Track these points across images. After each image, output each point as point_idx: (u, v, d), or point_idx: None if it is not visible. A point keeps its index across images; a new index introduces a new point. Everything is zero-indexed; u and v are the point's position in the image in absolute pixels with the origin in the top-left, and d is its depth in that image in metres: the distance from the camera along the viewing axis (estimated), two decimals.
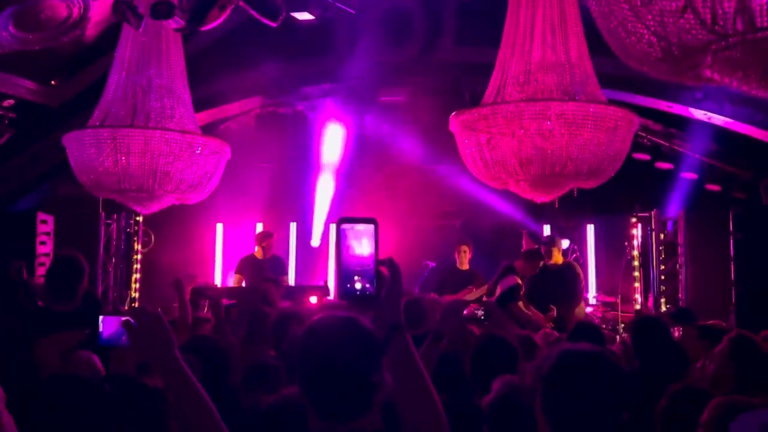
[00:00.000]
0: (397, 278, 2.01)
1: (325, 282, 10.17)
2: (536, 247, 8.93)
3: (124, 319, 2.23)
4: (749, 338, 4.00)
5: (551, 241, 8.71)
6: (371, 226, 2.01)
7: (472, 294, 8.67)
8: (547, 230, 11.37)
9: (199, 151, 8.11)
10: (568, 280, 8.50)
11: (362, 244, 1.99)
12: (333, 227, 12.18)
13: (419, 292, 9.28)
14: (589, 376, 2.07)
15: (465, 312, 5.13)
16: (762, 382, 3.75)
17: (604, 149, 6.98)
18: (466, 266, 9.15)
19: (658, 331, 4.23)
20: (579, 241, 11.17)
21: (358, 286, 1.98)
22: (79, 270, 4.46)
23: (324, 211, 11.97)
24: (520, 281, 7.98)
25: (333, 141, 11.46)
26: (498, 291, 8.02)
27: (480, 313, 6.48)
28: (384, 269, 2.00)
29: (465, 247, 9.16)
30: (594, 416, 2.04)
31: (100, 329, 2.87)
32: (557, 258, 8.66)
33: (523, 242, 9.84)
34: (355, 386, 2.03)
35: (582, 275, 8.78)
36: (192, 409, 2.03)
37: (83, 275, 4.47)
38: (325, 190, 11.94)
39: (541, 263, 8.45)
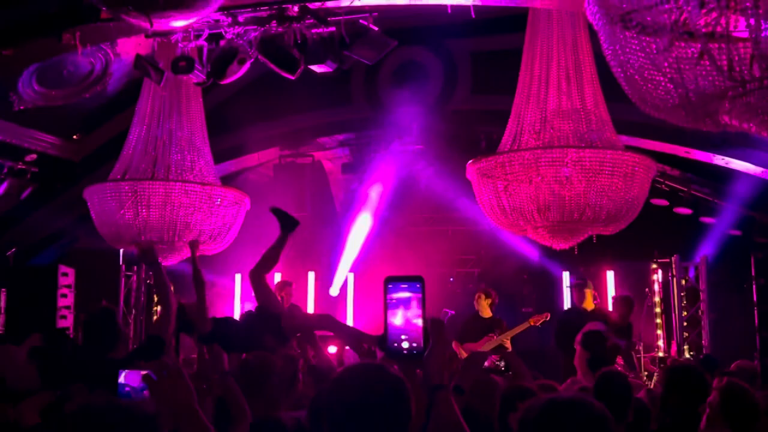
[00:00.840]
0: (440, 337, 2.00)
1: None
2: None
3: (144, 372, 2.22)
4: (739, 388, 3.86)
5: (584, 283, 8.53)
6: (418, 284, 2.02)
7: (492, 342, 8.58)
8: (566, 278, 11.29)
9: (219, 202, 8.19)
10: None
11: (409, 303, 2.00)
12: (351, 277, 12.18)
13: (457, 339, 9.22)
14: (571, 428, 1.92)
15: (486, 363, 5.06)
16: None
17: (622, 195, 6.97)
18: (488, 314, 9.08)
19: (694, 381, 4.03)
20: (599, 288, 11.07)
21: (405, 345, 1.99)
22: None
23: (345, 260, 11.99)
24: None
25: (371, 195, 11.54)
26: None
27: (501, 363, 6.41)
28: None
29: (481, 294, 9.09)
30: None
31: (121, 382, 2.87)
32: (589, 302, 8.49)
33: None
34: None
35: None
36: None
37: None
38: (346, 239, 11.98)
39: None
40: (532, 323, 8.77)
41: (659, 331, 10.51)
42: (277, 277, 11.51)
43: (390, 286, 2.02)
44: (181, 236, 8.02)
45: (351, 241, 11.88)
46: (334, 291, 12.12)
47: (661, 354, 10.23)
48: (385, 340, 2.00)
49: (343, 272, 12.10)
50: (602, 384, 4.26)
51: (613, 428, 1.97)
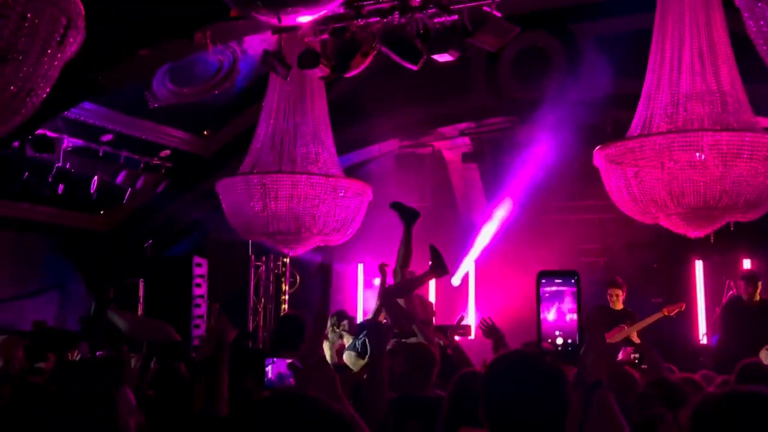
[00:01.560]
0: (596, 333, 1.97)
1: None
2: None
3: (289, 361, 2.29)
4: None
5: (756, 277, 8.12)
6: (572, 279, 1.99)
7: (621, 334, 8.34)
8: (699, 267, 10.83)
9: (342, 194, 8.33)
10: None
11: (563, 297, 1.97)
12: (472, 268, 12.12)
13: None
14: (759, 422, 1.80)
15: (621, 356, 4.92)
16: None
17: (762, 180, 6.63)
18: (619, 305, 8.83)
19: None
20: (736, 278, 10.57)
21: (559, 341, 1.96)
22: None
23: (470, 251, 11.94)
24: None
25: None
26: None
27: (636, 356, 6.20)
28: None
29: (617, 291, 8.84)
30: None
31: (267, 370, 2.96)
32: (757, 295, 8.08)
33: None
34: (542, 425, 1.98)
35: None
36: None
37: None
38: (467, 229, 11.93)
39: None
40: (665, 314, 8.44)
41: None
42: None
43: (543, 280, 2.00)
44: (307, 227, 8.20)
45: (480, 233, 11.81)
46: (455, 281, 12.11)
47: None
48: (539, 335, 1.97)
49: (467, 263, 12.05)
50: (745, 376, 4.07)
51: None
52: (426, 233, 12.03)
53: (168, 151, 10.58)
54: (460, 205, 12.39)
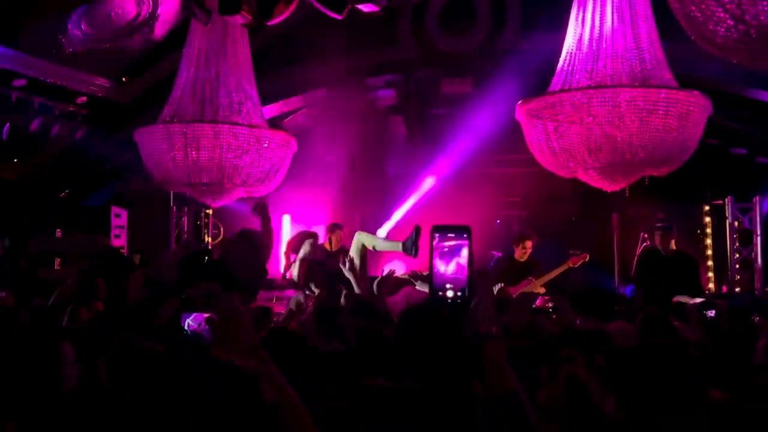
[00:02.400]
0: (487, 288, 2.02)
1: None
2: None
3: (207, 315, 2.27)
4: None
5: (671, 229, 8.31)
6: (464, 234, 2.02)
7: (530, 285, 8.54)
8: (615, 220, 11.17)
9: (266, 145, 8.25)
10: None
11: (455, 252, 2.01)
12: (398, 220, 12.21)
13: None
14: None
15: (538, 302, 5.06)
16: None
17: (675, 136, 6.85)
18: (524, 257, 9.04)
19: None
20: (651, 231, 10.94)
21: (450, 294, 2.00)
22: None
23: (397, 205, 12.01)
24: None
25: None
26: None
27: (550, 305, 6.40)
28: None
29: (518, 237, 9.02)
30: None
31: (184, 326, 2.94)
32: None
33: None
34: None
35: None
36: (277, 394, 2.02)
37: None
38: (395, 183, 11.99)
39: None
40: (570, 265, 8.65)
41: (710, 274, 10.41)
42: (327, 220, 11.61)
43: (437, 234, 2.04)
44: (230, 178, 8.13)
45: (411, 193, 11.89)
46: (381, 233, 12.18)
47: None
48: (432, 288, 2.02)
49: (395, 217, 12.12)
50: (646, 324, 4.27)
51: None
52: (353, 185, 12.11)
53: (84, 98, 10.24)
54: (386, 157, 12.42)
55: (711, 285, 10.40)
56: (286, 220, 12.39)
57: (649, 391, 1.95)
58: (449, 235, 2.03)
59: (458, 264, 2.02)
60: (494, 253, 9.73)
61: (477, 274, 2.03)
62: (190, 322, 3.24)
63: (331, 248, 9.76)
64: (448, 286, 2.01)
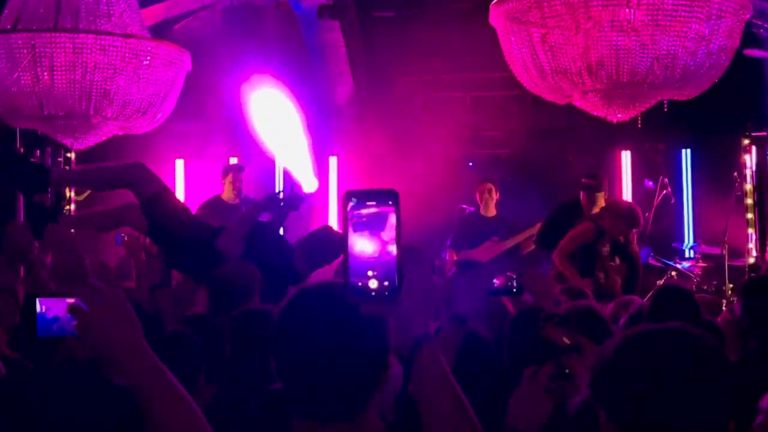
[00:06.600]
0: (421, 271, 2.02)
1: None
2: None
3: (70, 301, 2.23)
4: None
5: (597, 185, 8.46)
6: (390, 201, 1.99)
7: (494, 249, 8.63)
8: (626, 159, 11.32)
9: (147, 62, 8.16)
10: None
11: (378, 226, 1.97)
12: (333, 160, 12.19)
13: (452, 245, 9.33)
14: (669, 365, 1.98)
15: (497, 282, 5.10)
16: None
17: (704, 46, 6.94)
18: (492, 211, 9.11)
19: None
20: (670, 173, 11.13)
21: (372, 283, 1.97)
22: None
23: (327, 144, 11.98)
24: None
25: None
26: None
27: (514, 282, 6.42)
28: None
29: (490, 186, 9.08)
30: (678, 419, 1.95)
31: (39, 315, 2.88)
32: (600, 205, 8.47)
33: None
34: (345, 381, 2.09)
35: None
36: (171, 414, 2.05)
37: None
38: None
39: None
40: None
41: (750, 230, 10.60)
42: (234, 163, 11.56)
43: (352, 203, 2.00)
44: (98, 109, 8.06)
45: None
46: (308, 185, 12.13)
47: (752, 260, 10.35)
48: (346, 273, 1.99)
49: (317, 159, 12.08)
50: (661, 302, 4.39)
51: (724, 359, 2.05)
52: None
53: None
54: (317, 75, 12.33)
55: (751, 245, 10.59)
56: (180, 166, 12.28)
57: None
58: (369, 203, 2.00)
59: (383, 241, 1.99)
60: (464, 206, 9.82)
61: (407, 253, 2.01)
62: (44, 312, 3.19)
63: (234, 199, 9.66)
64: (370, 273, 1.98)
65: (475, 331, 4.05)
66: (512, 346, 3.98)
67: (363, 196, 1.99)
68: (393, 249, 1.96)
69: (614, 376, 2.01)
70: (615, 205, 8.40)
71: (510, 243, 8.66)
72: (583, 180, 8.57)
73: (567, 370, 3.01)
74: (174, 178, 12.27)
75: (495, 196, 9.01)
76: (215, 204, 9.86)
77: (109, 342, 2.08)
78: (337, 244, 6.62)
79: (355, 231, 1.97)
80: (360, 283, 1.96)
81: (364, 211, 1.97)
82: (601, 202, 8.39)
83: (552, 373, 3.01)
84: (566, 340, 3.08)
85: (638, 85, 7.02)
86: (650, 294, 6.27)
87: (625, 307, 5.34)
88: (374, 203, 1.98)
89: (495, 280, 5.23)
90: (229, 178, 9.94)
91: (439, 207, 10.24)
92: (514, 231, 8.82)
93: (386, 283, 1.96)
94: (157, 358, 2.10)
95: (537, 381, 3.06)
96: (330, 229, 6.89)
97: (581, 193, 8.44)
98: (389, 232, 1.97)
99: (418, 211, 8.45)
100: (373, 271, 1.96)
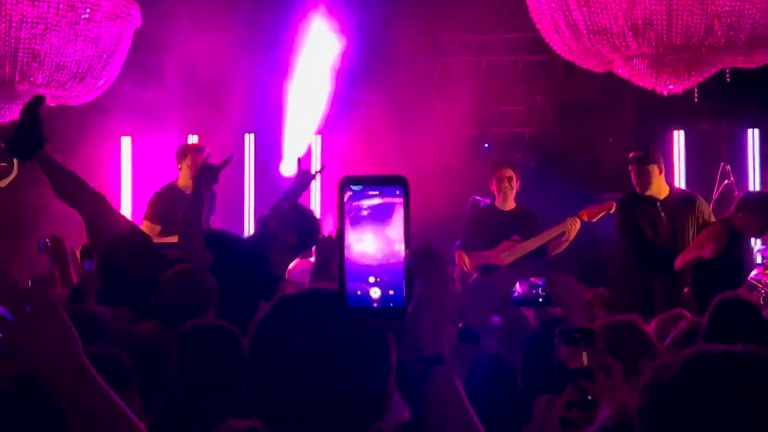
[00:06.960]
0: (434, 280, 2.01)
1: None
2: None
3: None
4: None
5: (646, 157, 8.47)
6: (397, 190, 1.97)
7: (514, 251, 8.61)
8: (679, 140, 11.33)
9: (87, 15, 8.19)
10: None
11: (383, 221, 1.95)
12: (316, 141, 12.21)
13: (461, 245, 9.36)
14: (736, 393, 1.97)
15: (520, 290, 5.12)
16: None
17: None
18: (511, 204, 9.10)
19: None
20: (733, 157, 11.14)
21: (375, 292, 1.95)
22: None
23: (303, 121, 11.97)
24: None
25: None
26: None
27: (540, 290, 6.42)
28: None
29: (510, 173, 9.05)
30: None
31: None
32: (657, 186, 8.60)
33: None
34: (338, 413, 2.08)
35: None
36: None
37: None
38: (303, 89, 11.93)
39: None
40: (585, 218, 8.73)
41: None
42: (192, 141, 11.58)
43: (350, 192, 1.98)
44: (25, 73, 8.07)
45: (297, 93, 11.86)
46: (286, 169, 12.14)
47: None
48: (342, 282, 1.98)
49: (305, 134, 12.09)
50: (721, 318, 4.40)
51: None
52: (237, 95, 12.03)
53: None
54: (296, 29, 12.36)
55: None
56: (126, 144, 12.30)
57: None
58: (371, 192, 1.97)
59: (388, 240, 1.97)
60: (478, 198, 9.81)
61: (412, 258, 1.98)
62: None
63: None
64: (371, 279, 1.96)
65: (494, 353, 4.04)
66: (527, 367, 4.00)
67: (365, 184, 1.96)
68: (400, 250, 1.94)
69: (679, 401, 1.99)
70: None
71: (533, 243, 8.61)
72: (631, 155, 8.60)
73: (590, 397, 3.00)
74: (119, 160, 12.30)
75: (515, 185, 8.97)
76: (170, 194, 9.80)
77: (43, 358, 2.10)
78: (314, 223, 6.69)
79: (353, 227, 1.95)
80: (359, 292, 1.95)
81: (366, 203, 1.95)
82: (660, 181, 8.37)
83: (571, 399, 3.01)
84: (585, 361, 3.06)
85: (695, 50, 7.03)
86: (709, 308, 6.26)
87: (673, 323, 5.35)
88: (378, 193, 1.96)
89: (516, 288, 5.23)
90: (187, 161, 9.79)
91: (447, 198, 10.24)
92: (538, 228, 8.80)
93: (391, 292, 1.95)
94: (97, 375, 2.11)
95: (552, 410, 3.06)
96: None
97: (630, 169, 8.41)
98: (396, 229, 1.95)
99: (421, 203, 8.44)
100: (375, 276, 1.95)
